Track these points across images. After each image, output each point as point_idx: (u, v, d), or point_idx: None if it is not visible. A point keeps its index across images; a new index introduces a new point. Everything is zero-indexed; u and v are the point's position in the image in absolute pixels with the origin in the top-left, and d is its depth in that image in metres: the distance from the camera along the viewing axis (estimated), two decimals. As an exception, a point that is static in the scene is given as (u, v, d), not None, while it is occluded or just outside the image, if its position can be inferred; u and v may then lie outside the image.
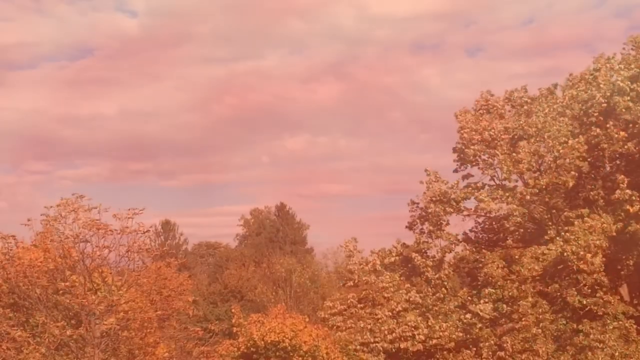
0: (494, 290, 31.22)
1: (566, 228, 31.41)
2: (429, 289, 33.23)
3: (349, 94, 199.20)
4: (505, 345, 29.98)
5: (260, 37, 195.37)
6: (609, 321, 30.03)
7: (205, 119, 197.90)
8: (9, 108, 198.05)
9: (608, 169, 34.26)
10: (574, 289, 31.32)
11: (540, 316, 30.29)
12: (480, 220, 36.36)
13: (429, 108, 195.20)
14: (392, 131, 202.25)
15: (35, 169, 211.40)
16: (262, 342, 42.29)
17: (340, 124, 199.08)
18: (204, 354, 28.29)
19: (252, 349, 42.71)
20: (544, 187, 32.42)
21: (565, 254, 30.70)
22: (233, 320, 45.12)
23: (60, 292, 26.18)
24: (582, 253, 30.62)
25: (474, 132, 33.60)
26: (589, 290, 31.35)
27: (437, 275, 32.88)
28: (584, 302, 30.90)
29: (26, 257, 26.44)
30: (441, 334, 31.04)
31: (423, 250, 33.71)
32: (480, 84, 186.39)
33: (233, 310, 47.49)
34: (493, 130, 33.59)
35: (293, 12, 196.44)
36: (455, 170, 35.79)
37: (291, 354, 42.06)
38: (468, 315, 32.47)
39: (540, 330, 30.42)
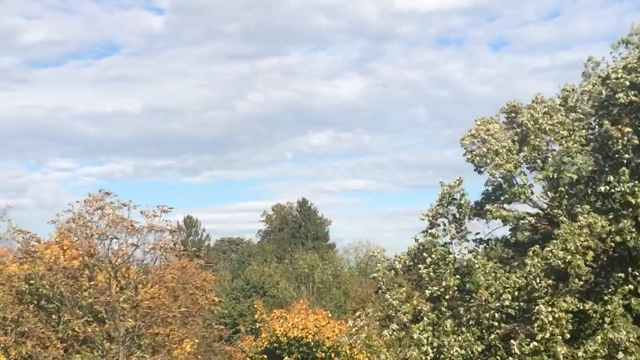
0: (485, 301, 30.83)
1: (555, 231, 31.04)
2: (439, 301, 32.70)
3: (372, 90, 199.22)
4: (513, 348, 29.59)
5: (285, 33, 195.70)
6: (620, 322, 29.63)
7: (228, 115, 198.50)
8: (34, 105, 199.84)
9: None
10: (566, 292, 30.85)
11: (557, 315, 29.95)
12: (498, 223, 36.07)
13: (452, 103, 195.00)
14: (416, 126, 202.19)
15: (60, 165, 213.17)
16: (285, 338, 42.39)
17: (364, 119, 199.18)
18: (227, 350, 28.38)
19: (275, 344, 42.83)
20: (546, 180, 32.10)
21: (552, 261, 30.38)
22: (256, 316, 45.25)
23: (85, 289, 26.34)
24: (569, 258, 30.26)
25: (474, 138, 33.38)
26: (586, 292, 30.92)
27: (443, 284, 32.33)
28: (581, 308, 30.43)
29: (48, 255, 26.61)
30: (451, 352, 30.58)
31: (434, 247, 33.26)
32: (504, 79, 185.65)
33: (256, 306, 47.64)
34: (491, 130, 33.30)
35: (317, 8, 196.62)
36: (477, 171, 35.51)
37: (314, 350, 42.16)
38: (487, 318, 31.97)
39: (557, 330, 30.07)
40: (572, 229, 30.83)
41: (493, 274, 31.70)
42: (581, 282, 30.56)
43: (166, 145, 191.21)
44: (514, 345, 30.05)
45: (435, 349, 31.88)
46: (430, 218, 35.13)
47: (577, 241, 30.42)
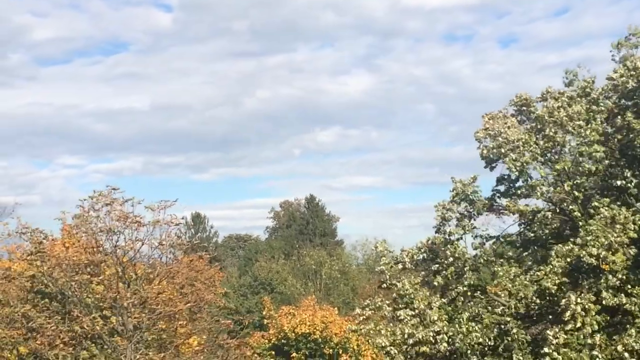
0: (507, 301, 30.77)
1: (585, 227, 30.77)
2: (457, 289, 32.78)
3: (379, 87, 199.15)
4: (549, 339, 29.36)
5: (291, 30, 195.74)
6: None
7: (236, 113, 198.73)
8: (42, 103, 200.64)
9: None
10: (604, 287, 30.67)
11: (586, 306, 29.70)
12: (514, 218, 35.88)
13: (459, 100, 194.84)
14: (423, 123, 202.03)
15: (68, 162, 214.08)
16: (293, 334, 42.50)
17: (371, 116, 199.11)
18: (234, 346, 28.41)
19: (282, 340, 42.93)
20: (561, 173, 31.88)
21: (583, 258, 30.16)
22: (264, 312, 45.36)
23: (93, 284, 26.39)
24: (603, 253, 30.04)
25: (489, 131, 33.20)
26: (617, 290, 30.73)
27: (463, 277, 32.40)
28: (618, 302, 30.17)
29: (56, 251, 26.68)
30: (469, 336, 30.68)
31: (450, 245, 33.27)
32: (512, 76, 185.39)
33: (264, 302, 47.73)
34: (506, 125, 33.13)
35: (324, 5, 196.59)
36: (488, 167, 35.30)
37: (322, 346, 42.23)
38: (498, 310, 31.99)
39: (588, 319, 29.85)
40: (601, 224, 30.51)
41: (518, 279, 31.52)
42: (616, 279, 30.35)
43: (174, 142, 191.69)
44: (549, 335, 29.94)
45: (450, 336, 31.84)
46: (442, 214, 35.01)
47: (611, 237, 30.16)
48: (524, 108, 35.33)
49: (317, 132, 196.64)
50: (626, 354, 29.66)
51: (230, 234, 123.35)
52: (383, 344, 32.60)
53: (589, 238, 30.26)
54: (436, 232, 34.83)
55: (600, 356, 29.61)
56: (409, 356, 32.63)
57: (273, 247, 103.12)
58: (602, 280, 30.54)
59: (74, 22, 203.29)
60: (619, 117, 34.31)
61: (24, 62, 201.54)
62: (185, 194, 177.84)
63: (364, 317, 33.71)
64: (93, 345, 25.90)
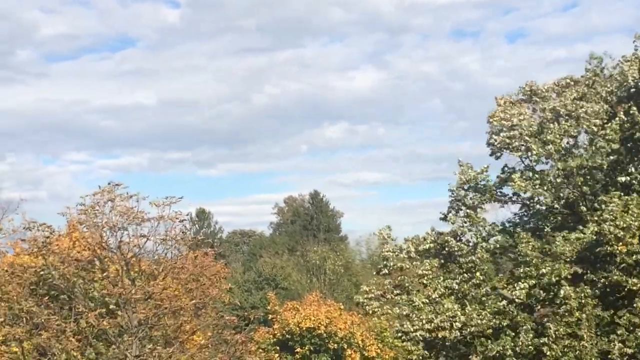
0: (528, 269, 30.81)
1: (603, 207, 30.77)
2: (465, 275, 32.91)
3: (387, 82, 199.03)
4: (547, 330, 29.55)
5: (300, 26, 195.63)
6: None
7: (244, 108, 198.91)
8: (50, 99, 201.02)
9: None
10: (614, 268, 30.69)
11: (583, 300, 29.85)
12: (517, 207, 35.83)
13: (467, 96, 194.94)
14: (431, 119, 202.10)
15: (75, 159, 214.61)
16: (298, 329, 42.50)
17: (379, 112, 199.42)
18: (239, 341, 28.36)
19: (287, 335, 42.95)
20: (574, 169, 31.91)
21: (602, 234, 30.12)
22: (269, 308, 45.37)
23: (97, 280, 26.38)
24: (621, 233, 30.06)
25: (503, 121, 33.19)
26: (631, 272, 30.77)
27: (469, 259, 32.56)
28: (630, 282, 30.26)
29: (62, 246, 26.66)
30: (479, 321, 30.79)
31: (458, 236, 33.39)
32: (520, 71, 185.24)
33: (269, 298, 47.75)
34: (522, 116, 33.14)
35: (333, 1, 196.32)
36: (493, 155, 35.18)
37: (327, 341, 42.23)
38: (504, 302, 32.17)
39: (584, 315, 30.00)
40: (619, 207, 30.51)
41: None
42: (631, 260, 30.36)
43: (182, 139, 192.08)
44: (550, 328, 30.08)
45: (463, 322, 31.96)
46: (455, 198, 34.93)
47: (629, 219, 30.22)
48: (534, 98, 35.20)
49: (324, 128, 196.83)
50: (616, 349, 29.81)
51: (234, 229, 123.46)
52: (406, 329, 32.69)
53: (608, 217, 30.31)
54: (442, 220, 34.86)
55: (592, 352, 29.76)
56: (425, 340, 32.77)
57: (277, 242, 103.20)
58: (618, 260, 30.50)
59: (82, 19, 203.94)
60: (624, 112, 34.26)
61: (33, 59, 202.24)
62: (192, 190, 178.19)
63: (372, 295, 33.75)
64: (100, 343, 25.89)
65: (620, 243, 29.97)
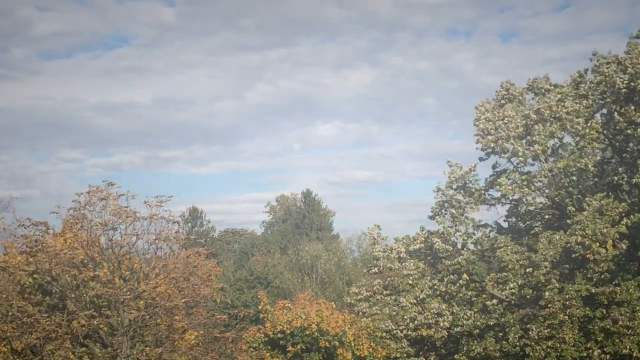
0: (506, 275, 31.03)
1: (574, 217, 30.94)
2: (451, 277, 33.06)
3: (381, 80, 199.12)
4: (530, 332, 29.72)
5: (295, 24, 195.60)
6: (638, 307, 29.76)
7: (237, 106, 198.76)
8: (44, 97, 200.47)
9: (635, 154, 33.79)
10: (580, 276, 30.83)
11: (567, 302, 29.98)
12: (505, 208, 35.98)
13: (461, 94, 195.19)
14: (424, 117, 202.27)
15: (68, 157, 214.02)
16: (289, 328, 42.50)
17: (372, 110, 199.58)
18: (230, 340, 28.44)
19: (279, 334, 42.94)
20: (561, 170, 32.08)
21: (568, 245, 30.34)
22: (260, 307, 45.36)
23: (89, 280, 26.37)
24: (587, 242, 30.21)
25: (490, 123, 33.34)
26: (601, 279, 30.86)
27: (455, 261, 32.74)
28: (592, 291, 30.49)
29: (56, 245, 26.63)
30: (465, 321, 30.95)
31: (445, 237, 33.51)
32: (514, 70, 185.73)
33: (260, 296, 47.73)
34: (507, 118, 33.31)
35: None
36: (481, 159, 35.31)
37: (318, 340, 42.24)
38: (494, 301, 32.32)
39: (567, 317, 30.13)
40: (590, 216, 30.73)
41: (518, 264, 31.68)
42: (599, 268, 30.56)
43: (175, 136, 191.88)
44: (532, 330, 30.23)
45: (450, 320, 32.15)
46: (441, 201, 35.05)
47: (597, 227, 30.37)
48: (515, 97, 35.30)
49: (317, 126, 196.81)
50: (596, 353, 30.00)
51: (226, 228, 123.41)
52: (388, 328, 32.90)
53: (577, 227, 30.56)
54: (430, 218, 34.97)
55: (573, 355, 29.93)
56: (410, 339, 32.95)
57: (269, 241, 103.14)
58: (590, 268, 30.78)
59: (78, 16, 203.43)
60: (607, 116, 34.41)
61: (27, 56, 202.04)
62: (185, 187, 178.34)
63: (361, 296, 33.89)
64: (92, 343, 25.88)
65: (588, 251, 30.10)
